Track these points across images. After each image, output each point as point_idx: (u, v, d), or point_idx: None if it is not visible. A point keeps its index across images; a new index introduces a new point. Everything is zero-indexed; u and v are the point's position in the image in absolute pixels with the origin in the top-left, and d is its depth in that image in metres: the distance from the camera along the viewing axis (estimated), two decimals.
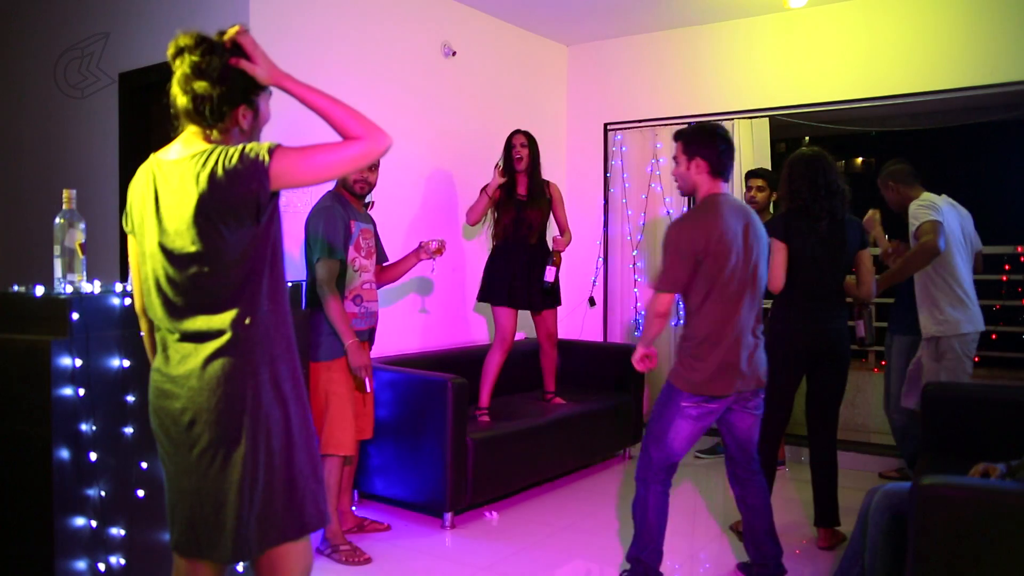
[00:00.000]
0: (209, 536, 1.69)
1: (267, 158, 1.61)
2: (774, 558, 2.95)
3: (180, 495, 1.73)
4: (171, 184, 1.67)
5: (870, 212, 4.00)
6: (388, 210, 4.36)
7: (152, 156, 1.76)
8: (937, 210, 3.68)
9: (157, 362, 1.76)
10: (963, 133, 5.45)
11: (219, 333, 1.66)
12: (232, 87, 1.68)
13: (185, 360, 1.69)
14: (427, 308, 3.82)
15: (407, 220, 4.54)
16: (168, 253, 1.67)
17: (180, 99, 1.69)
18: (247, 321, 1.67)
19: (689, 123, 5.26)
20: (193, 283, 1.66)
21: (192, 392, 1.67)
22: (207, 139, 1.71)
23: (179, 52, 1.67)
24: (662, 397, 2.85)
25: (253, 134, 1.78)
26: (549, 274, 4.33)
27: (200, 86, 1.66)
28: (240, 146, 1.64)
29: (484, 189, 4.32)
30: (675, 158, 2.89)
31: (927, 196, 3.78)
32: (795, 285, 3.31)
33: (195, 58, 1.65)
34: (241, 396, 1.66)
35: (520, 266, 4.35)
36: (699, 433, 2.83)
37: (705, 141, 2.82)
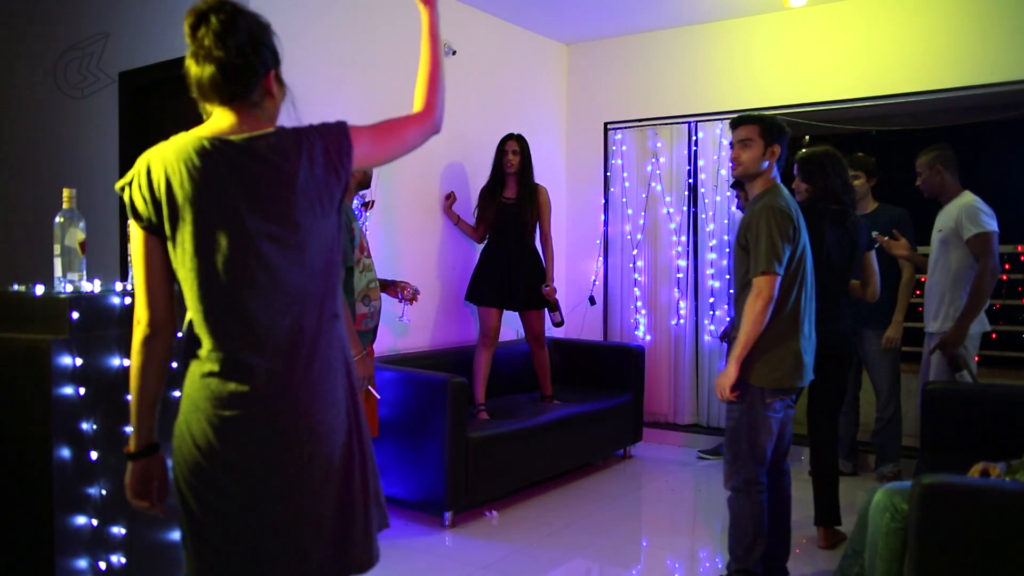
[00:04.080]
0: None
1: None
2: (780, 559, 2.95)
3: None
4: (256, 163, 1.47)
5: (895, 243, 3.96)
6: (387, 210, 4.36)
7: (192, 138, 1.50)
8: (994, 218, 3.66)
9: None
10: (963, 133, 5.44)
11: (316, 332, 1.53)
12: (262, 50, 1.54)
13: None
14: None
15: (406, 220, 4.54)
16: (267, 237, 1.47)
17: (207, 70, 1.49)
18: (334, 314, 1.56)
19: (689, 123, 5.32)
20: (287, 269, 1.49)
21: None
22: (247, 115, 1.53)
23: (202, 17, 1.49)
24: (744, 401, 2.76)
25: (279, 106, 1.63)
26: (554, 318, 4.55)
27: (230, 50, 1.48)
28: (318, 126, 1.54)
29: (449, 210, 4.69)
30: (742, 141, 2.81)
31: (977, 198, 3.72)
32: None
33: (223, 17, 1.49)
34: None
35: (504, 267, 4.43)
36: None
37: (783, 132, 2.80)
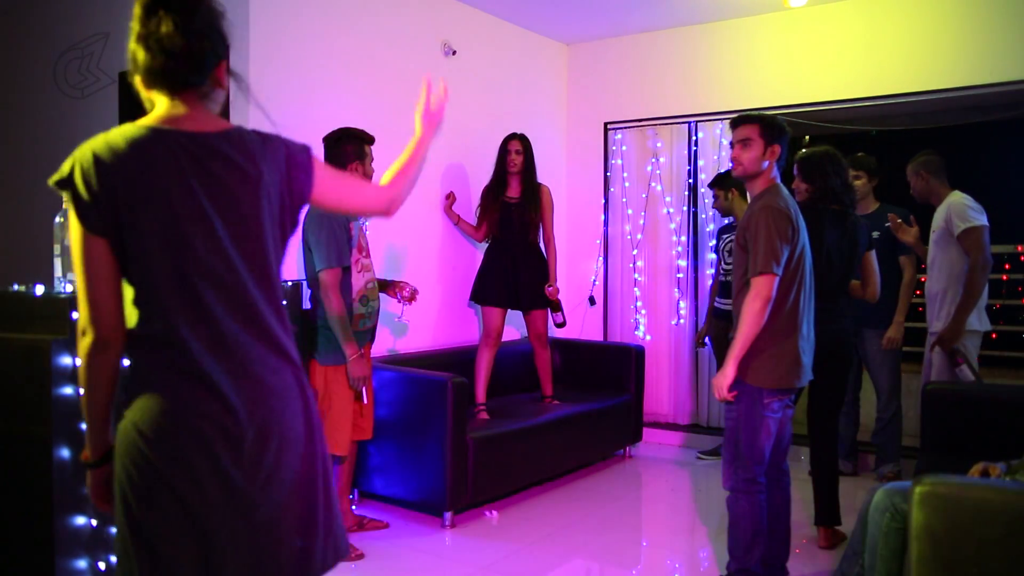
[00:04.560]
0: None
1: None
2: (780, 559, 2.95)
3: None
4: (220, 162, 1.41)
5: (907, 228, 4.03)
6: None
7: (143, 129, 1.40)
8: (983, 213, 3.69)
9: None
10: (963, 133, 5.44)
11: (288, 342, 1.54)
12: (217, 37, 1.45)
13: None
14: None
15: (406, 220, 4.54)
16: (232, 239, 1.41)
17: (158, 57, 1.40)
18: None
19: (689, 123, 5.32)
20: (250, 274, 1.45)
21: None
22: (197, 106, 1.45)
23: (159, 2, 1.40)
24: (742, 401, 2.75)
25: (224, 97, 1.53)
26: (557, 318, 4.53)
27: (188, 36, 1.39)
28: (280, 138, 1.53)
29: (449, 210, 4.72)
30: (742, 140, 2.80)
31: (965, 196, 3.77)
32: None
33: (181, 5, 1.40)
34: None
35: (508, 266, 4.43)
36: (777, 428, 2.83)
37: (783, 132, 2.81)
